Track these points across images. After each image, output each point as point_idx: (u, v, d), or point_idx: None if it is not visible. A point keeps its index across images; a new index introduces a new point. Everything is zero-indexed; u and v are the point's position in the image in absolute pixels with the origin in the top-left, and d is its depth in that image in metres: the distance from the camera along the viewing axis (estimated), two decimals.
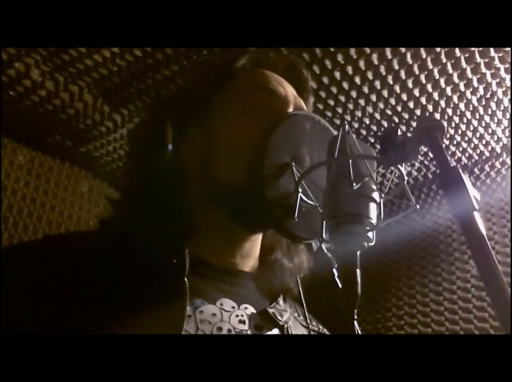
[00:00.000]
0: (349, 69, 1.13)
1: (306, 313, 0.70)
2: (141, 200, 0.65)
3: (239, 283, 0.66)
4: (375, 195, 0.49)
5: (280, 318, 0.65)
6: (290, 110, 0.68)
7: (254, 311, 0.63)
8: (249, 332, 0.61)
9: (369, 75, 1.14)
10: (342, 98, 1.22)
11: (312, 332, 0.69)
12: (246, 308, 0.63)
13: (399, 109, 1.26)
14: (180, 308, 0.56)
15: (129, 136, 0.84)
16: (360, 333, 0.49)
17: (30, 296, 0.52)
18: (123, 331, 0.51)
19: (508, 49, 1.06)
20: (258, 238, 0.70)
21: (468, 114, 1.30)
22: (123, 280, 0.56)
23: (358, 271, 0.47)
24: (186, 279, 0.58)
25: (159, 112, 0.72)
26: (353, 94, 1.21)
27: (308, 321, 0.70)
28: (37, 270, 0.55)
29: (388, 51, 1.08)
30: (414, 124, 1.31)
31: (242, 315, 0.61)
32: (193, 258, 0.60)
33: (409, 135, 0.48)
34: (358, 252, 0.48)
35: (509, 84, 1.18)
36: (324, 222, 0.50)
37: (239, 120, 0.66)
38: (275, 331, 0.64)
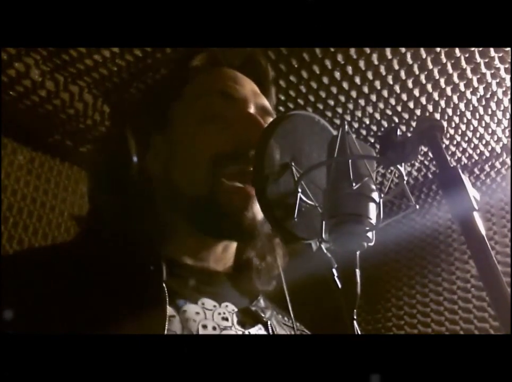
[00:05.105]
0: (349, 69, 1.13)
1: (291, 310, 0.70)
2: (111, 210, 0.65)
3: (216, 283, 0.67)
4: (375, 195, 0.49)
5: (263, 315, 0.67)
6: (251, 110, 0.67)
7: (235, 308, 0.65)
8: (232, 328, 0.62)
9: (369, 75, 1.14)
10: (342, 98, 1.22)
11: (297, 332, 0.70)
12: (226, 306, 0.64)
13: (399, 109, 1.26)
14: (160, 314, 0.56)
15: (94, 148, 0.84)
16: (360, 333, 0.49)
17: (14, 304, 0.52)
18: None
19: (508, 49, 1.06)
20: (231, 242, 0.71)
21: (468, 114, 1.30)
22: (101, 290, 0.56)
23: (357, 271, 0.47)
24: (164, 285, 0.58)
25: (120, 123, 0.71)
26: (353, 94, 1.20)
27: (290, 318, 0.70)
28: (20, 281, 0.55)
29: (388, 51, 1.08)
30: (414, 124, 1.31)
31: (224, 313, 0.63)
32: (169, 261, 0.61)
33: (409, 135, 0.48)
34: (357, 252, 0.48)
35: (509, 84, 1.18)
36: (323, 222, 0.50)
37: (195, 129, 0.65)
38: (259, 326, 0.65)
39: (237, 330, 0.62)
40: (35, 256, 0.63)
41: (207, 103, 0.66)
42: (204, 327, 0.59)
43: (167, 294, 0.58)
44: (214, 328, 0.59)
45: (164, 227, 0.66)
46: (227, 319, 0.62)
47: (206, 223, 0.64)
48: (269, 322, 0.66)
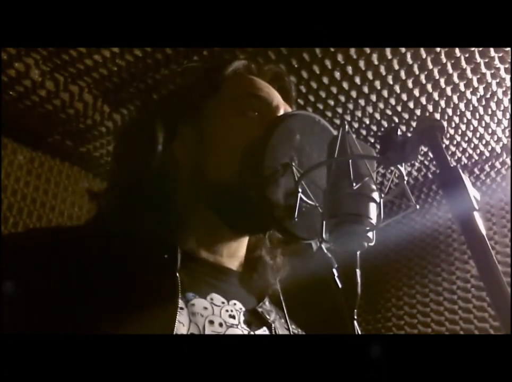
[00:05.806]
0: (349, 69, 1.13)
1: (287, 316, 0.71)
2: (131, 197, 0.66)
3: (226, 280, 0.68)
4: (375, 195, 0.49)
5: (268, 317, 0.67)
6: (281, 113, 0.70)
7: (243, 307, 0.65)
8: (239, 327, 0.62)
9: (369, 75, 1.15)
10: (342, 98, 1.22)
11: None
12: (234, 304, 0.64)
13: (399, 109, 1.26)
14: (173, 303, 0.56)
15: (119, 135, 0.86)
16: (360, 333, 0.49)
17: (17, 294, 0.52)
18: (115, 326, 0.51)
19: (508, 49, 1.07)
20: (245, 239, 0.72)
21: (468, 114, 1.30)
22: (115, 275, 0.57)
23: (358, 271, 0.47)
24: (177, 274, 0.59)
25: (149, 113, 0.74)
26: (353, 94, 1.21)
27: (289, 323, 0.71)
28: (24, 264, 0.55)
29: (388, 51, 1.09)
30: (414, 124, 1.31)
31: (232, 310, 0.63)
32: (183, 253, 0.62)
33: (409, 135, 0.48)
34: (358, 252, 0.48)
35: (509, 84, 1.18)
36: (324, 222, 0.50)
37: (231, 121, 0.68)
38: (264, 329, 0.66)
39: (243, 329, 0.63)
40: (44, 238, 0.62)
41: (244, 102, 0.70)
42: (211, 322, 0.59)
43: (180, 284, 0.58)
44: (220, 325, 0.60)
45: (183, 218, 0.67)
46: (233, 317, 0.62)
47: (233, 212, 0.66)
48: (273, 325, 0.67)
